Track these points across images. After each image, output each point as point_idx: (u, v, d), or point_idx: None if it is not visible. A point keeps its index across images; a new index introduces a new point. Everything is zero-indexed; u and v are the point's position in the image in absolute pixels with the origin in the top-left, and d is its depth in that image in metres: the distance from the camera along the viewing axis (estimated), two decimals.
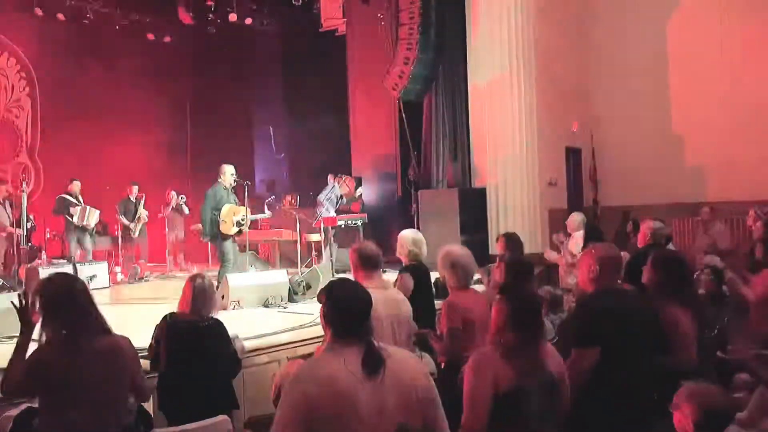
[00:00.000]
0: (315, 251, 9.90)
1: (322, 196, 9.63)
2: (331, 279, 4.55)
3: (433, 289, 5.15)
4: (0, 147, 12.17)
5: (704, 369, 3.38)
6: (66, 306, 2.80)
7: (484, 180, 9.50)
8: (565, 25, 10.41)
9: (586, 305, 3.38)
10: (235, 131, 13.78)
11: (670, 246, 6.12)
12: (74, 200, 9.44)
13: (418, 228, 8.21)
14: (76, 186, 9.56)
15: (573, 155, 10.70)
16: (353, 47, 11.80)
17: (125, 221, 10.17)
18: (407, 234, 4.85)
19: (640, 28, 10.37)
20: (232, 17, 12.32)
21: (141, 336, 3.56)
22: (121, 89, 12.30)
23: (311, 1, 12.29)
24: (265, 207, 8.49)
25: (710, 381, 2.87)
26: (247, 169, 11.34)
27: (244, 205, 7.52)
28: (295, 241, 8.96)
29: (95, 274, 8.38)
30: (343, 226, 8.98)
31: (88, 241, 9.48)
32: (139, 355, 3.13)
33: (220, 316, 3.92)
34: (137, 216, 10.22)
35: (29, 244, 9.04)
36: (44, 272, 8.11)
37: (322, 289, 2.48)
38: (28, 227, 9.08)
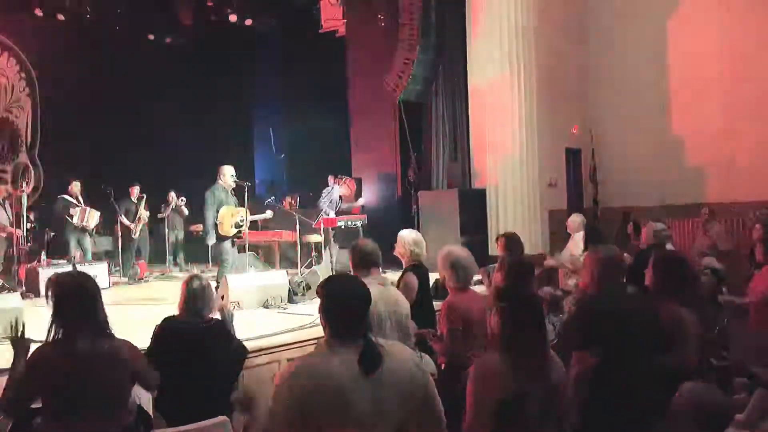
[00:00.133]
0: (315, 252, 9.90)
1: (321, 203, 9.64)
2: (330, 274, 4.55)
3: (432, 290, 5.15)
4: (0, 147, 12.18)
5: (704, 370, 3.38)
6: (72, 305, 2.81)
7: (484, 181, 9.49)
8: (565, 25, 10.41)
9: (585, 306, 3.39)
10: (235, 131, 13.79)
11: (670, 246, 6.11)
12: (74, 201, 9.43)
13: (418, 229, 8.21)
14: (75, 187, 9.56)
15: (573, 156, 10.69)
16: (353, 48, 11.81)
17: (126, 222, 10.17)
18: (408, 234, 4.84)
19: (640, 29, 10.36)
20: (232, 18, 12.33)
21: (141, 336, 3.56)
22: (121, 89, 12.32)
23: (311, 1, 12.30)
24: (266, 207, 8.49)
25: (710, 382, 2.87)
26: (247, 170, 11.34)
27: (244, 206, 7.52)
28: (295, 242, 8.96)
29: (95, 275, 8.34)
30: (342, 227, 8.98)
31: (87, 241, 9.47)
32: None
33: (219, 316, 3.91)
34: (138, 216, 10.22)
35: (29, 244, 9.05)
36: (44, 273, 8.13)
37: (321, 282, 2.46)
38: (28, 227, 9.08)
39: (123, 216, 10.17)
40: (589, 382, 3.07)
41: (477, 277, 4.68)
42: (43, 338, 2.83)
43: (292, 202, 11.37)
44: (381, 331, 3.47)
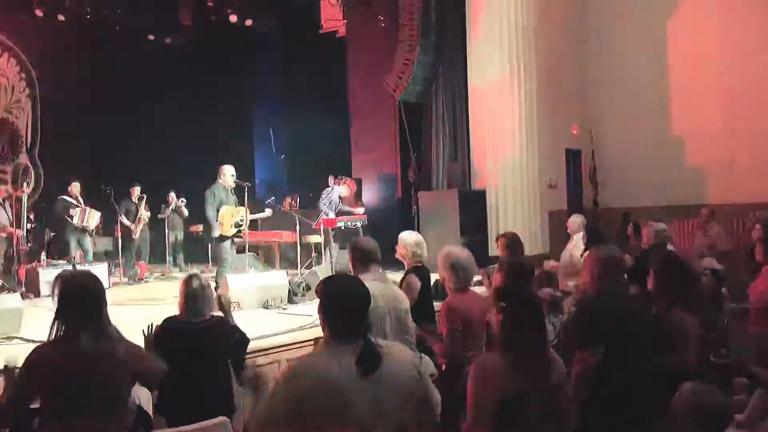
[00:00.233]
0: (315, 253, 9.90)
1: (321, 204, 9.65)
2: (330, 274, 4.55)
3: (432, 291, 5.15)
4: (0, 147, 12.18)
5: (704, 369, 3.38)
6: (76, 304, 2.82)
7: (484, 181, 9.49)
8: (565, 25, 10.41)
9: (586, 306, 3.39)
10: (235, 131, 13.79)
11: (670, 247, 6.11)
12: (74, 201, 9.43)
13: (418, 229, 8.22)
14: (75, 187, 9.55)
15: (573, 156, 10.69)
16: (353, 48, 11.82)
17: (126, 222, 10.17)
18: (408, 236, 4.84)
19: (640, 29, 10.36)
20: (233, 18, 12.33)
21: (140, 337, 3.57)
22: (121, 89, 12.32)
23: (311, 2, 12.30)
24: (265, 206, 8.49)
25: (710, 382, 2.87)
26: (247, 170, 11.34)
27: (244, 206, 7.52)
28: (295, 243, 8.96)
29: None
30: (342, 228, 8.98)
31: (88, 242, 9.47)
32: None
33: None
34: (138, 217, 10.21)
35: (29, 244, 9.05)
36: (44, 273, 8.14)
37: (320, 282, 2.45)
38: (28, 228, 9.09)
39: (123, 216, 10.17)
40: (589, 382, 3.07)
41: (477, 278, 4.67)
42: (43, 338, 2.83)
43: (292, 202, 11.38)
44: (381, 327, 3.48)
